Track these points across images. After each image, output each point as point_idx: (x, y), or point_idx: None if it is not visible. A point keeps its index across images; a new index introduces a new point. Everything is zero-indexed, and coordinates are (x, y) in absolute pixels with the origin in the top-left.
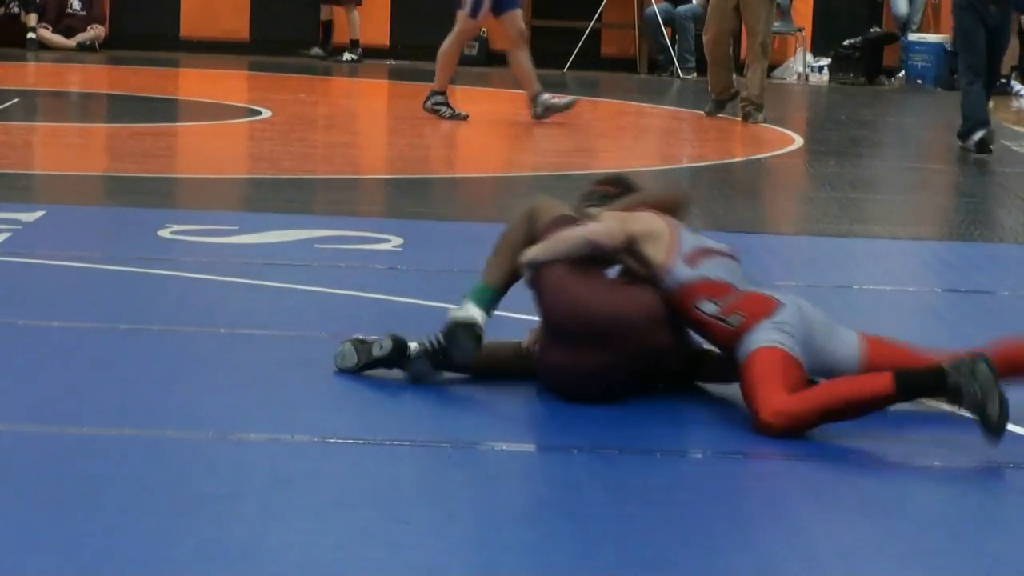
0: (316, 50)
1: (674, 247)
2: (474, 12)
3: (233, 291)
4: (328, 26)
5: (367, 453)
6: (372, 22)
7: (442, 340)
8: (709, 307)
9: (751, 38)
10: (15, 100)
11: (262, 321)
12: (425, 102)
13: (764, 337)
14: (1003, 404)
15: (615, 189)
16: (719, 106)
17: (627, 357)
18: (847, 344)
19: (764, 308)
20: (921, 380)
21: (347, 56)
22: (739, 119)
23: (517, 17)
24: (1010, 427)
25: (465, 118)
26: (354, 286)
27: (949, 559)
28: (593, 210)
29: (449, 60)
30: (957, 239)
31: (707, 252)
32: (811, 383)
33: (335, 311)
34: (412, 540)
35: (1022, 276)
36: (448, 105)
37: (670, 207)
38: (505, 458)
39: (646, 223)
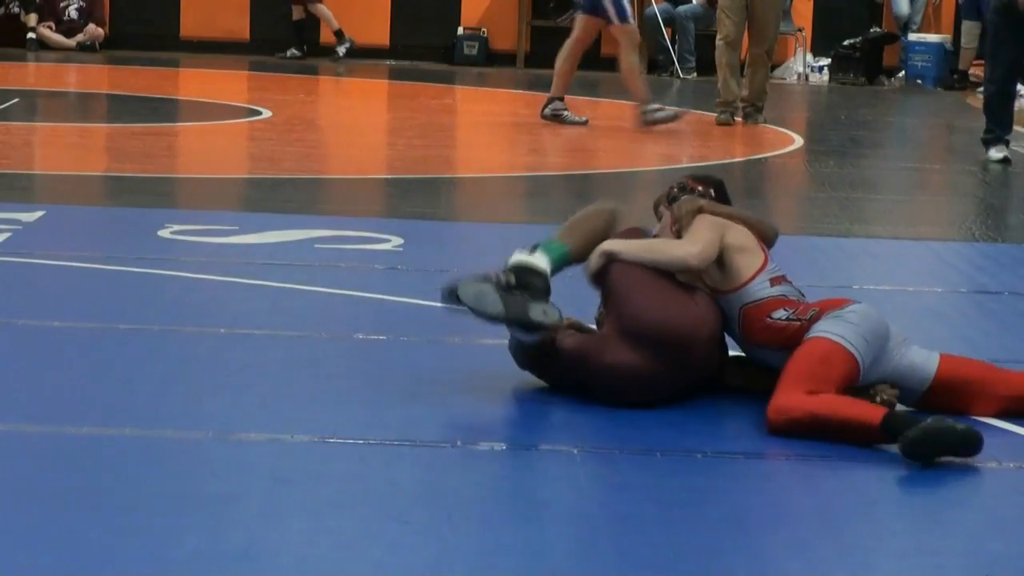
0: (292, 51)
1: (764, 267)
2: (623, 18)
3: (233, 291)
4: (301, 25)
5: (367, 453)
6: (372, 22)
7: (513, 282)
8: (782, 314)
9: (760, 42)
10: (15, 100)
11: (262, 321)
12: (544, 108)
13: (824, 327)
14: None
15: (707, 190)
16: (734, 112)
17: (681, 370)
18: (923, 354)
19: (836, 303)
20: (905, 424)
21: (340, 50)
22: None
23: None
24: (1010, 427)
25: (585, 123)
26: (354, 286)
27: (949, 559)
28: (684, 208)
29: (571, 66)
30: (958, 239)
31: (785, 278)
32: (859, 391)
33: (335, 311)
34: (412, 540)
35: (1022, 275)
36: (568, 111)
37: (763, 234)
38: (505, 458)
39: (743, 238)
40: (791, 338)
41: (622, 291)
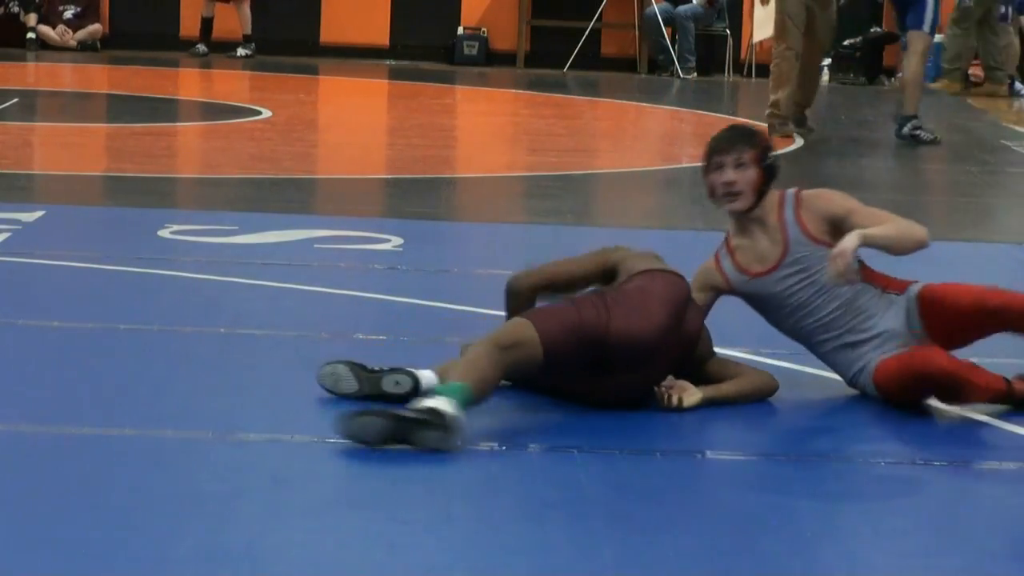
0: (200, 47)
1: None
2: (932, 29)
3: (233, 291)
4: (209, 23)
5: (367, 453)
6: (372, 22)
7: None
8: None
9: (820, 52)
10: (15, 100)
11: (262, 321)
12: (899, 129)
13: None
14: None
15: None
16: (787, 122)
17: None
18: None
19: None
20: None
21: (240, 51)
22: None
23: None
24: (1010, 427)
25: (939, 142)
26: (354, 286)
27: (949, 558)
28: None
29: (919, 81)
30: (958, 239)
31: None
32: None
33: (335, 311)
34: (412, 540)
35: (1022, 275)
36: (924, 128)
37: None
38: (505, 458)
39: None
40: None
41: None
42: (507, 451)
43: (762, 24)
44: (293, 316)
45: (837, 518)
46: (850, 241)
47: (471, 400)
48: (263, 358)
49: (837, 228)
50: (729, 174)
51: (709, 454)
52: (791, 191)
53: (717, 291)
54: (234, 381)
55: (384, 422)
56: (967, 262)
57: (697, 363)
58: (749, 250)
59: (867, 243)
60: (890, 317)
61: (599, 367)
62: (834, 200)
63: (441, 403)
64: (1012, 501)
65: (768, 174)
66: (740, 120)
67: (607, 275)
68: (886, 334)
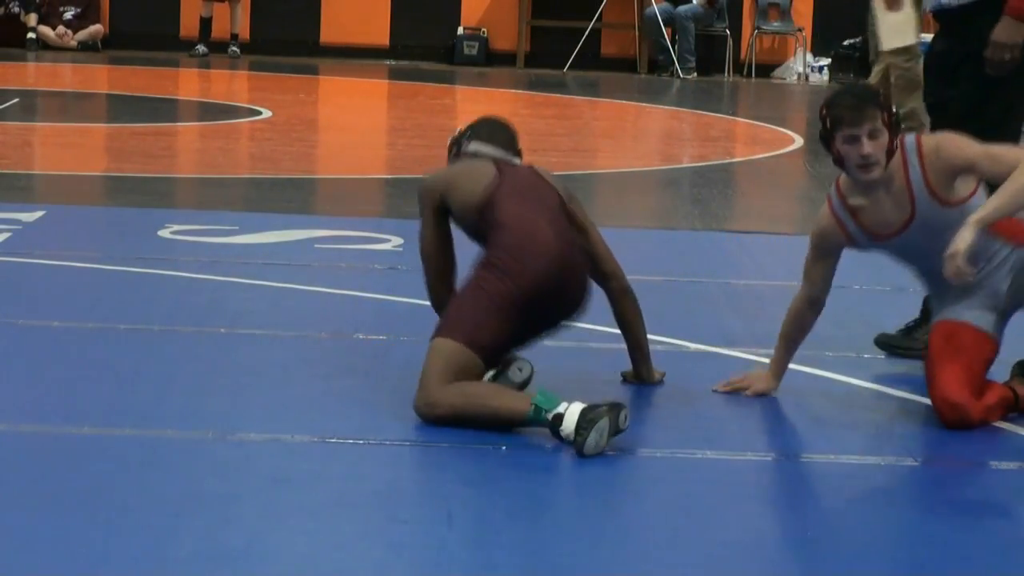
0: (200, 47)
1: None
2: None
3: (233, 291)
4: (208, 23)
5: (367, 453)
6: (372, 22)
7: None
8: None
9: None
10: (15, 100)
11: (262, 321)
12: None
13: None
14: None
15: None
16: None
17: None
18: None
19: None
20: None
21: (232, 50)
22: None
23: None
24: (1010, 427)
25: None
26: (354, 286)
27: (949, 558)
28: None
29: None
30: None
31: None
32: None
33: (335, 311)
34: (412, 540)
35: None
36: None
37: None
38: (507, 458)
39: None
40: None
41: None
42: (507, 451)
43: (895, 30)
44: (293, 316)
45: (838, 517)
46: (962, 241)
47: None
48: (263, 358)
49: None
50: (866, 147)
51: (710, 454)
52: (911, 142)
53: (840, 252)
54: (234, 381)
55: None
56: None
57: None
58: (873, 212)
59: (984, 226)
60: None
61: (539, 316)
62: (956, 154)
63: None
64: (1012, 501)
65: (896, 131)
66: (735, 120)
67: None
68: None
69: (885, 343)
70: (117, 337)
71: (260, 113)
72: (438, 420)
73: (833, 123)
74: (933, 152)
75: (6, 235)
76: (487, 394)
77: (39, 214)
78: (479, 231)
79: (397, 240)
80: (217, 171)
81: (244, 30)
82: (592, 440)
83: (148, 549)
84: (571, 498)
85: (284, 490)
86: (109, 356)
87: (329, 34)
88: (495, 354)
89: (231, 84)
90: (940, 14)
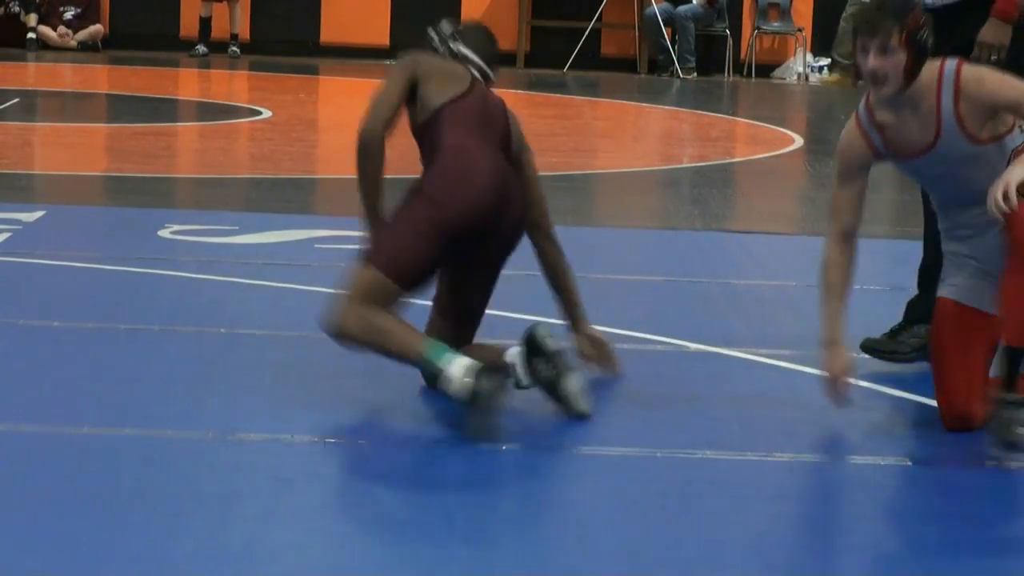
0: (201, 47)
1: None
2: None
3: (233, 291)
4: (207, 23)
5: (367, 453)
6: (372, 22)
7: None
8: None
9: None
10: (15, 100)
11: (262, 321)
12: None
13: None
14: None
15: None
16: None
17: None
18: None
19: None
20: None
21: (231, 50)
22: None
23: None
24: None
25: None
26: None
27: (949, 558)
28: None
29: None
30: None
31: None
32: None
33: None
34: (412, 540)
35: None
36: None
37: None
38: (505, 458)
39: None
40: None
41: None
42: (507, 451)
43: None
44: (293, 316)
45: (838, 517)
46: (1006, 186)
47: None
48: (263, 358)
49: (1000, 113)
50: (872, 60)
51: (710, 454)
52: (951, 67)
53: (867, 174)
54: (234, 381)
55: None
56: None
57: None
58: (897, 130)
59: None
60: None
61: (467, 250)
62: (999, 90)
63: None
64: (1012, 500)
65: (920, 53)
66: (735, 120)
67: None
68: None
69: (870, 348)
70: (117, 337)
71: (260, 113)
72: (341, 344)
73: (853, 30)
74: (974, 83)
75: (6, 235)
76: (390, 331)
77: (39, 214)
78: (421, 136)
79: None
80: (217, 171)
81: (244, 30)
82: (476, 385)
83: (148, 549)
84: (571, 498)
85: (284, 490)
86: (109, 356)
87: (329, 34)
88: (416, 283)
89: (231, 84)
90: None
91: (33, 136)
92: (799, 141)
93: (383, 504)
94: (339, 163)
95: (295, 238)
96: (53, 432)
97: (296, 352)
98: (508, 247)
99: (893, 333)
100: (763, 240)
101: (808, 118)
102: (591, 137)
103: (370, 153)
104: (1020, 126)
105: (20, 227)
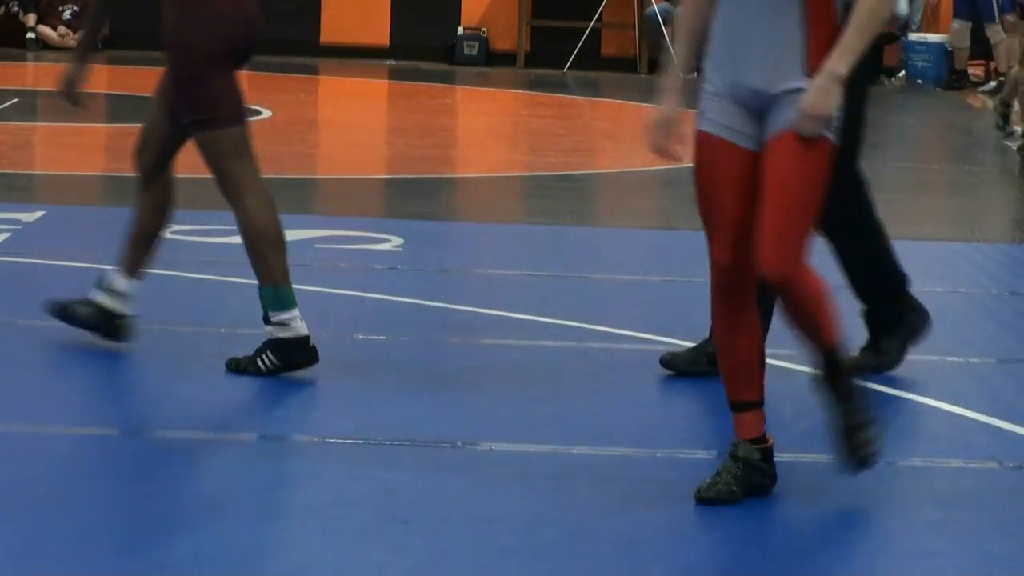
0: None
1: None
2: None
3: (233, 291)
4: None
5: (367, 453)
6: (372, 22)
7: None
8: None
9: None
10: (14, 100)
11: (262, 321)
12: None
13: None
14: None
15: None
16: None
17: None
18: None
19: None
20: None
21: None
22: None
23: None
24: (1010, 427)
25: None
26: (354, 286)
27: (949, 559)
28: None
29: None
30: (957, 239)
31: None
32: None
33: (335, 311)
34: (412, 540)
35: (1022, 275)
36: None
37: None
38: (505, 458)
39: None
40: None
41: None
42: (507, 452)
43: None
44: None
45: (838, 518)
46: (820, 101)
47: None
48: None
49: None
50: None
51: (710, 455)
52: None
53: None
54: (234, 381)
55: None
56: (967, 262)
57: None
58: None
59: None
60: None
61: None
62: None
63: None
64: (1012, 501)
65: None
66: None
67: None
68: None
69: (858, 368)
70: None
71: (260, 113)
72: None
73: None
74: None
75: (6, 235)
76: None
77: (39, 214)
78: None
79: (397, 240)
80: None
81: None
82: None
83: (148, 549)
84: (571, 499)
85: (284, 490)
86: (109, 356)
87: (329, 34)
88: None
89: None
90: None
91: (33, 136)
92: None
93: (383, 504)
94: (339, 163)
95: (295, 238)
96: (53, 432)
97: None
98: None
99: (874, 347)
100: None
101: None
102: (591, 137)
103: None
104: None
105: (20, 227)
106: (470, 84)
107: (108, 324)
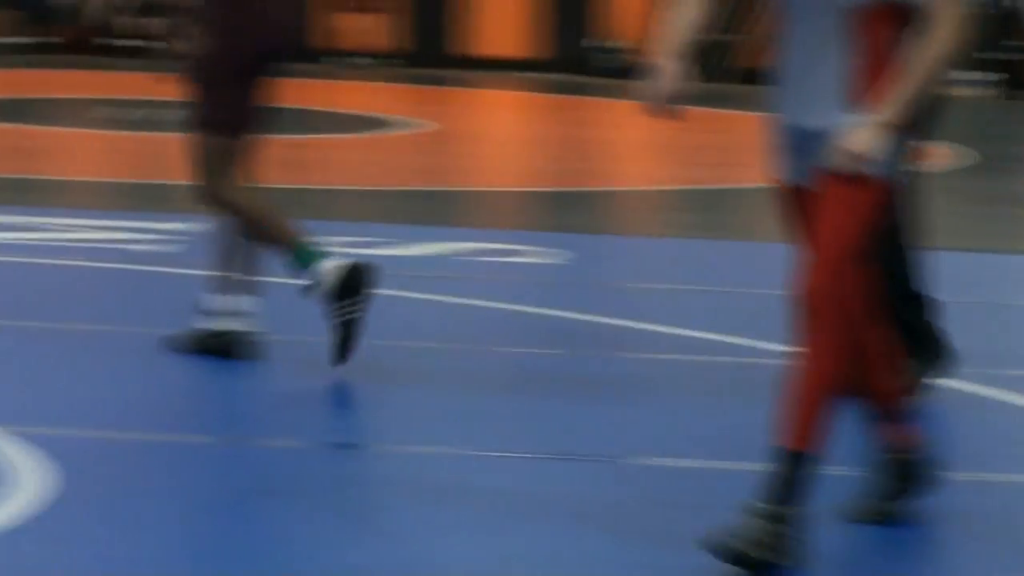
0: (361, 59)
1: None
2: None
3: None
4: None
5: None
6: (520, 33)
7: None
8: None
9: None
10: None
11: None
12: None
13: None
14: None
15: None
16: None
17: None
18: None
19: None
20: None
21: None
22: None
23: None
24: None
25: None
26: (515, 299)
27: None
28: None
29: None
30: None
31: None
32: None
33: (491, 325)
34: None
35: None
36: None
37: None
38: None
39: None
40: None
41: None
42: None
43: None
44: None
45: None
46: (860, 142)
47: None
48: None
49: None
50: None
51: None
52: None
53: None
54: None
55: None
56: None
57: None
58: None
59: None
60: None
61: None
62: None
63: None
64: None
65: None
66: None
67: None
68: None
69: None
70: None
71: (420, 126)
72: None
73: None
74: None
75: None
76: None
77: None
78: None
79: (557, 252)
80: (371, 183)
81: (405, 41)
82: None
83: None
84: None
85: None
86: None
87: (474, 46)
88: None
89: (367, 93)
90: None
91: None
92: None
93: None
94: (499, 175)
95: (452, 251)
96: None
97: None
98: None
99: None
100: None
101: None
102: (740, 152)
103: None
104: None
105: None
106: (613, 96)
107: (236, 345)
